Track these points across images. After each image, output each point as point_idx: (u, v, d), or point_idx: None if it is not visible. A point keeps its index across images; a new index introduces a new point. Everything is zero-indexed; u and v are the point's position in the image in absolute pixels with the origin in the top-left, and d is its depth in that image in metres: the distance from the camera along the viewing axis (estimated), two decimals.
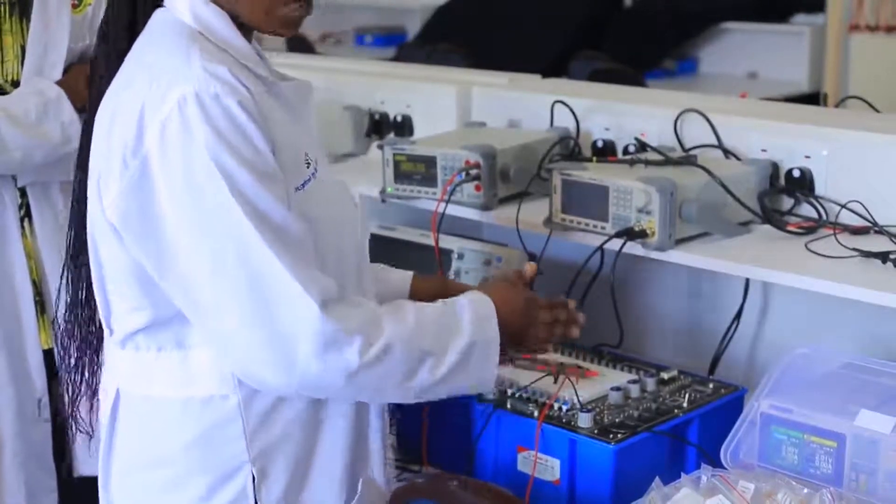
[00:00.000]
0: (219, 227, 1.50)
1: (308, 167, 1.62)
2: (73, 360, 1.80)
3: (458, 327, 1.63)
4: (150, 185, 1.51)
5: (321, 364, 1.52)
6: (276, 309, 1.51)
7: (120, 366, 1.69)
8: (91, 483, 2.64)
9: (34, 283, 2.57)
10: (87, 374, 1.80)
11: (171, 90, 1.50)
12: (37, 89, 2.47)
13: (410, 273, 1.96)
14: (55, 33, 2.51)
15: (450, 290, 1.88)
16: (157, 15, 1.61)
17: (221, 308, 1.53)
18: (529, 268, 1.87)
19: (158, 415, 1.65)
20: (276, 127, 1.56)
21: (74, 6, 2.54)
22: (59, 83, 2.50)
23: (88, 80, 1.67)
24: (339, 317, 1.52)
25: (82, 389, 1.80)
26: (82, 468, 2.62)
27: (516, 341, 1.75)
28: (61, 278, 1.80)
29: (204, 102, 1.49)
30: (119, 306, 1.65)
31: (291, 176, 1.57)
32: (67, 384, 1.81)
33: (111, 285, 1.64)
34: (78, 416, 1.82)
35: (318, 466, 1.68)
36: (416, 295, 1.90)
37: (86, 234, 1.66)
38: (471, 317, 1.65)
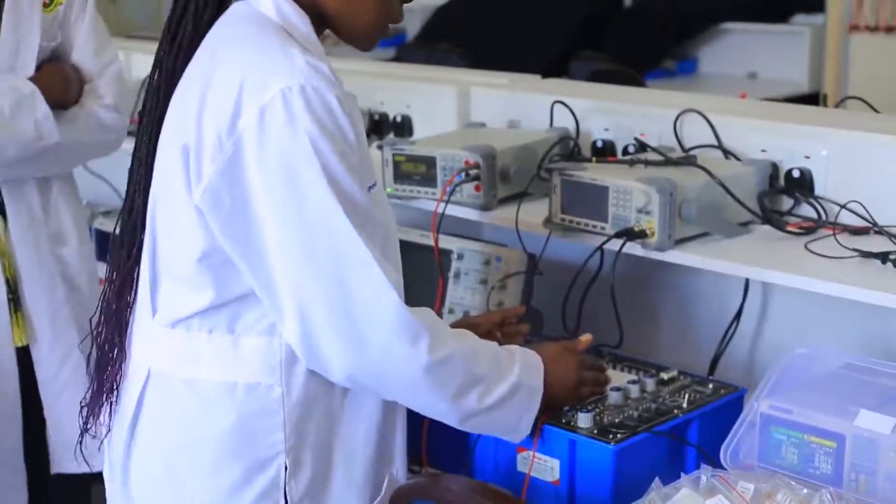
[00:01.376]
0: (312, 208, 1.55)
1: (374, 173, 1.68)
2: (112, 347, 1.77)
3: (509, 366, 1.71)
4: (243, 167, 1.54)
5: (391, 350, 1.57)
6: (358, 291, 1.56)
7: (160, 347, 1.69)
8: (68, 480, 2.65)
9: (7, 281, 2.56)
10: (116, 359, 1.77)
11: (273, 79, 1.54)
12: (10, 85, 2.47)
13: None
14: (26, 32, 2.51)
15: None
16: (239, 7, 1.64)
17: (303, 285, 1.57)
18: (585, 340, 1.96)
19: (198, 398, 1.66)
20: (358, 127, 1.61)
21: (46, 5, 2.55)
22: (32, 80, 2.50)
23: (161, 62, 1.69)
24: (414, 311, 1.58)
25: (108, 378, 1.77)
26: (63, 466, 2.62)
27: (565, 398, 1.86)
28: (108, 263, 1.78)
29: (308, 94, 1.54)
30: (176, 287, 1.66)
31: (365, 176, 1.62)
32: (102, 373, 1.78)
33: (170, 266, 1.65)
34: (96, 415, 1.79)
35: (344, 462, 1.70)
36: None
37: (143, 214, 1.69)
38: (521, 362, 1.73)
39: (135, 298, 1.74)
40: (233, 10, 1.65)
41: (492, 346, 1.72)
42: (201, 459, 1.66)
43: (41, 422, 2.64)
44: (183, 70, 1.65)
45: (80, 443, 1.82)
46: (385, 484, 1.77)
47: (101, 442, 1.80)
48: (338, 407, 1.68)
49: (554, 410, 1.86)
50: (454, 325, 1.91)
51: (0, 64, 2.49)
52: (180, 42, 1.66)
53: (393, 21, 1.70)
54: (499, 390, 1.68)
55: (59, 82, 2.53)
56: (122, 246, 1.75)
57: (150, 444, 1.71)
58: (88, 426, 1.79)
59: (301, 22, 1.64)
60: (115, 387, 1.75)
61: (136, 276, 1.74)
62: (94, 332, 1.77)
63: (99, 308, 1.79)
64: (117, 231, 1.76)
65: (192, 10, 1.66)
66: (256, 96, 1.53)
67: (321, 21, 1.67)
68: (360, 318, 1.56)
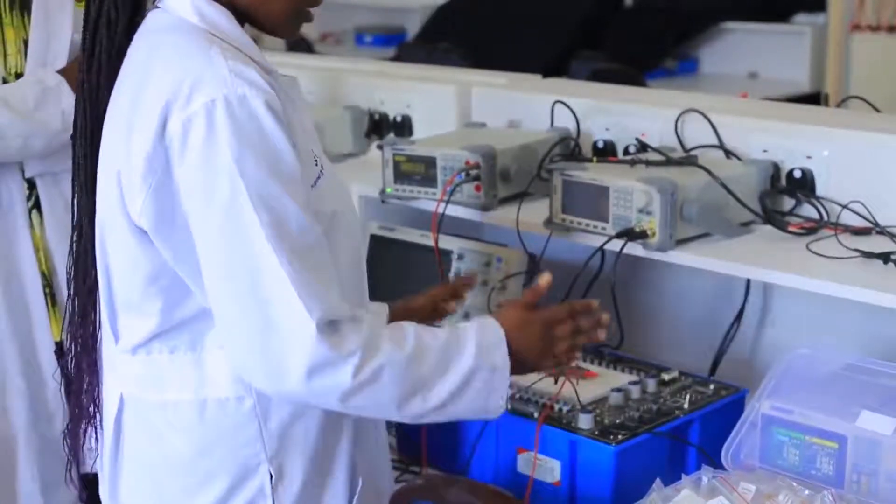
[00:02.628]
0: (232, 229, 1.49)
1: (316, 164, 1.62)
2: (82, 372, 1.76)
3: (459, 355, 1.60)
4: (171, 185, 1.51)
5: (309, 384, 1.50)
6: (274, 323, 1.50)
7: (127, 372, 1.67)
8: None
9: (43, 274, 2.57)
10: (89, 387, 1.76)
11: (197, 92, 1.49)
12: (37, 78, 2.48)
13: (385, 305, 1.92)
14: (57, 25, 2.52)
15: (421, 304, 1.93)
16: (156, 16, 1.60)
17: (226, 311, 1.53)
18: (542, 280, 1.78)
19: (172, 419, 1.64)
20: (292, 124, 1.56)
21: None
22: (60, 71, 2.51)
23: (83, 81, 1.65)
24: (337, 340, 1.50)
25: (85, 402, 1.76)
26: (87, 465, 2.62)
27: (537, 363, 1.71)
28: (69, 285, 1.75)
29: (232, 106, 1.48)
30: (130, 314, 1.63)
31: (306, 174, 1.57)
32: (76, 399, 1.76)
33: (122, 292, 1.63)
34: (79, 439, 1.77)
35: (333, 463, 1.68)
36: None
37: (93, 240, 1.65)
38: (476, 344, 1.61)
39: (99, 325, 1.72)
40: (151, 19, 1.61)
41: (438, 338, 1.60)
42: (186, 478, 1.64)
43: None
44: (108, 86, 1.61)
45: (69, 471, 1.80)
46: (360, 484, 1.73)
47: (93, 464, 1.78)
48: (323, 409, 1.64)
49: (541, 368, 1.74)
50: (393, 310, 1.86)
51: (31, 58, 2.50)
52: (99, 57, 1.62)
53: (310, 4, 1.64)
54: (447, 385, 1.58)
55: None
56: (76, 274, 1.72)
57: (135, 468, 1.69)
58: (75, 454, 1.77)
59: (224, 21, 1.58)
60: (94, 412, 1.73)
61: (96, 302, 1.70)
62: (63, 361, 1.75)
63: (67, 336, 1.76)
64: (71, 259, 1.73)
65: (104, 24, 1.61)
66: (179, 112, 1.49)
67: (240, 17, 1.61)
68: (276, 351, 1.50)
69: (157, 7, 1.61)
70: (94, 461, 1.76)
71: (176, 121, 1.49)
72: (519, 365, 1.65)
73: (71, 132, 2.47)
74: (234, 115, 1.48)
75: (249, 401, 1.60)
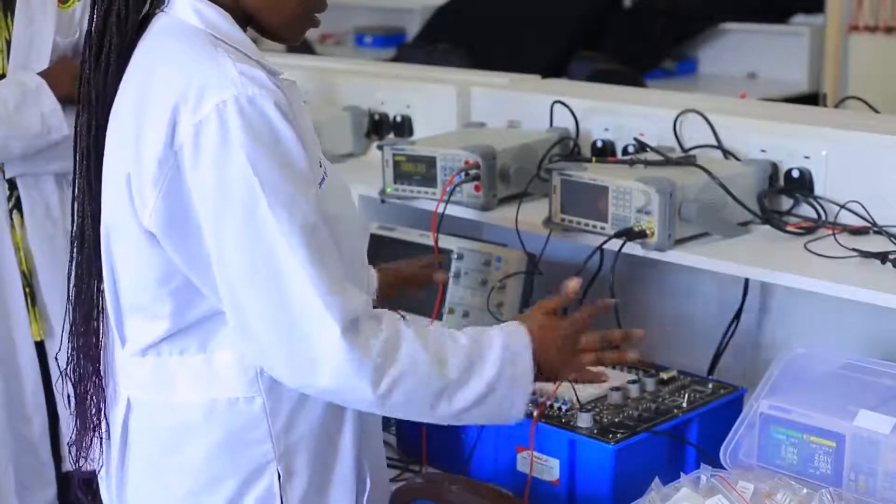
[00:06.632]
0: (250, 232, 1.49)
1: (321, 166, 1.63)
2: (84, 379, 1.73)
3: (483, 361, 1.60)
4: (183, 188, 1.50)
5: (337, 381, 1.51)
6: (299, 324, 1.50)
7: (134, 375, 1.66)
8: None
9: (24, 274, 2.57)
10: (95, 393, 1.73)
11: (207, 94, 1.48)
12: (17, 80, 2.48)
13: (373, 272, 1.99)
14: (39, 28, 2.52)
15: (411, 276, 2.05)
16: (162, 19, 1.60)
17: (248, 313, 1.52)
18: (571, 286, 1.79)
19: (181, 421, 1.63)
20: (298, 126, 1.56)
21: (62, 2, 2.55)
22: (41, 74, 2.50)
23: (89, 78, 1.63)
24: (361, 343, 1.51)
25: (92, 411, 1.73)
26: (68, 463, 2.62)
27: (560, 372, 1.72)
28: (69, 294, 1.72)
29: (243, 107, 1.48)
30: (139, 316, 1.63)
31: (314, 176, 1.57)
32: (80, 408, 1.74)
33: (130, 295, 1.62)
34: (86, 452, 1.75)
35: (338, 462, 1.69)
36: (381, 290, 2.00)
37: (96, 245, 1.64)
38: (500, 350, 1.62)
39: (105, 330, 1.71)
40: (156, 22, 1.60)
41: (461, 344, 1.60)
42: (194, 480, 1.64)
43: (56, 417, 2.64)
44: (115, 86, 1.60)
45: (78, 483, 1.81)
46: (368, 481, 1.74)
47: (97, 474, 1.77)
48: (330, 409, 1.65)
49: (564, 376, 1.75)
50: (386, 278, 2.00)
51: (13, 60, 2.50)
52: (107, 56, 1.60)
53: (317, 10, 1.65)
54: (472, 391, 1.59)
55: (70, 76, 2.53)
56: (80, 279, 1.70)
57: (143, 471, 1.69)
58: (80, 464, 1.76)
59: (226, 24, 1.58)
60: (100, 421, 1.72)
61: (101, 308, 1.70)
62: (65, 369, 1.73)
63: (69, 343, 1.74)
64: (73, 265, 1.70)
65: (113, 21, 1.60)
66: (190, 114, 1.48)
67: (244, 20, 1.61)
68: (303, 347, 1.51)
69: (163, 11, 1.60)
70: (77, 460, 1.75)
71: (187, 124, 1.48)
72: (543, 372, 1.67)
73: (50, 135, 2.49)
74: (246, 116, 1.48)
75: (259, 400, 1.61)
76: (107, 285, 1.65)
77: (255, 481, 1.63)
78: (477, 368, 1.60)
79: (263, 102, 1.49)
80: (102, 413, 1.72)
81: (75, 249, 1.70)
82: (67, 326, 1.73)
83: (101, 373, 1.72)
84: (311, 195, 1.53)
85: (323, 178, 1.62)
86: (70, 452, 1.75)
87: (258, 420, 1.61)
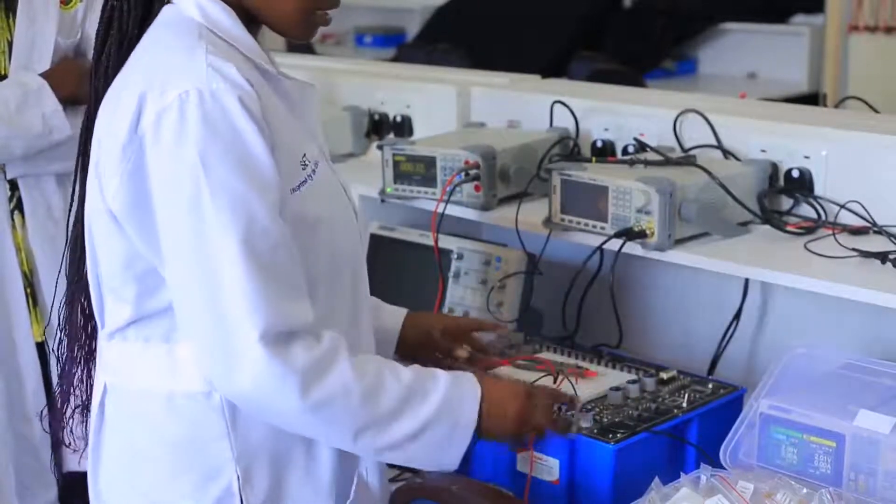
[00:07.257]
0: (192, 224, 1.49)
1: (304, 169, 1.60)
2: (68, 360, 1.78)
3: (421, 402, 1.58)
4: (143, 172, 1.51)
5: (256, 391, 1.50)
6: (223, 325, 1.49)
7: (106, 358, 1.68)
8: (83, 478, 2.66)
9: (25, 275, 2.57)
10: (82, 374, 1.77)
11: (172, 84, 1.49)
12: (19, 80, 2.48)
13: (404, 311, 1.94)
14: (41, 28, 2.52)
15: (438, 332, 1.91)
16: (166, 11, 1.61)
17: (182, 305, 1.54)
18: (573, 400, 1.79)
19: (145, 410, 1.64)
20: (277, 125, 1.55)
21: (64, 3, 2.55)
22: (42, 74, 2.51)
23: (92, 73, 1.66)
24: (283, 351, 1.49)
25: (76, 392, 1.76)
26: (71, 464, 2.62)
27: (514, 430, 1.69)
28: (59, 274, 1.78)
29: (204, 99, 1.48)
30: (111, 298, 1.64)
31: (287, 177, 1.55)
32: (62, 385, 1.78)
33: (105, 277, 1.64)
34: (67, 426, 1.78)
35: (304, 466, 1.66)
36: (406, 334, 1.91)
37: (83, 227, 1.66)
38: (443, 396, 1.59)
39: (91, 313, 1.72)
40: (162, 14, 1.61)
41: (402, 380, 1.58)
42: (156, 470, 1.64)
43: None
44: (114, 75, 1.61)
45: (54, 454, 1.81)
46: (354, 484, 1.71)
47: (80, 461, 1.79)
48: None
49: (519, 436, 1.72)
50: (409, 320, 1.89)
51: (15, 61, 2.50)
52: (109, 48, 1.63)
53: (322, 7, 1.65)
54: (402, 429, 1.56)
55: (73, 77, 2.53)
56: (71, 261, 1.73)
57: (113, 456, 1.69)
58: (56, 441, 1.77)
59: (228, 20, 1.58)
60: (83, 401, 1.73)
61: (85, 289, 1.71)
62: (53, 348, 1.75)
63: (57, 324, 1.77)
64: (67, 247, 1.74)
65: (117, 15, 1.62)
66: (155, 102, 1.49)
67: (250, 17, 1.61)
68: (225, 350, 1.50)
69: (170, 2, 1.62)
70: (80, 459, 1.77)
71: (150, 111, 1.49)
72: (492, 428, 1.64)
73: (52, 135, 2.50)
74: (206, 109, 1.48)
75: (217, 396, 1.59)
76: (89, 267, 1.66)
77: (213, 479, 1.61)
78: (414, 405, 1.57)
79: (225, 97, 1.49)
80: (83, 394, 1.74)
81: (70, 229, 1.73)
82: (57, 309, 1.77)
83: (88, 353, 1.74)
84: (269, 196, 1.51)
85: (304, 181, 1.59)
86: (41, 417, 1.77)
87: (216, 417, 1.60)
